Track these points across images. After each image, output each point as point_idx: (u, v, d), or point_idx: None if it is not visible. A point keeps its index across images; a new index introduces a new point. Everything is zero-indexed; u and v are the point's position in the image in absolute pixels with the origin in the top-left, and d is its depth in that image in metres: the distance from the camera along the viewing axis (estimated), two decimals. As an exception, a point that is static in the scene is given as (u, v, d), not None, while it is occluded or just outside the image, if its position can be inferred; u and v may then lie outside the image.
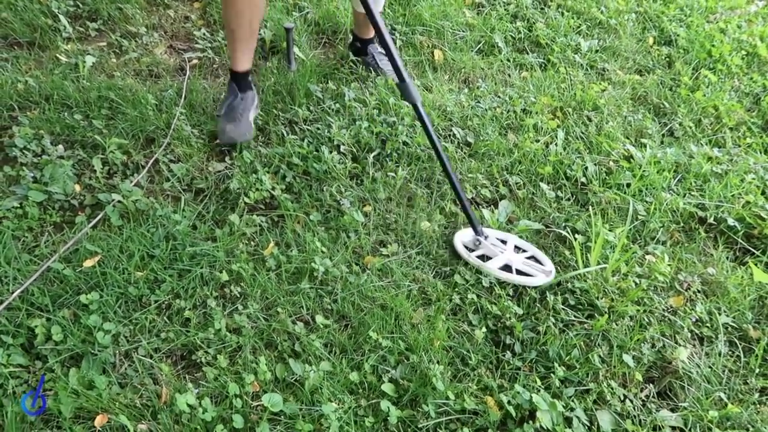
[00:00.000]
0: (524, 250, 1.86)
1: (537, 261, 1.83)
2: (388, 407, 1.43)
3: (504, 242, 1.87)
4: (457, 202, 1.88)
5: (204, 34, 2.66)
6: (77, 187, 1.92)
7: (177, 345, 1.55)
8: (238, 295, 1.66)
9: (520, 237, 1.90)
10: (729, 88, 2.64)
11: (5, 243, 1.69)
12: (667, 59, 2.83)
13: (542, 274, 1.77)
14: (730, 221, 1.99)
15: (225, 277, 1.68)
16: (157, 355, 1.53)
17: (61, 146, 2.05)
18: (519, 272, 1.77)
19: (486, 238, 1.83)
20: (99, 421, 1.37)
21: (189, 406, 1.39)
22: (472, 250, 1.83)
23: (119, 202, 1.85)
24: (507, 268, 1.78)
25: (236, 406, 1.41)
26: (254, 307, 1.63)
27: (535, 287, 1.75)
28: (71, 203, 1.88)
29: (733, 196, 2.09)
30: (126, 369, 1.49)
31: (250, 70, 2.17)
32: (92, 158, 1.99)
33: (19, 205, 1.82)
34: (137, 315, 1.59)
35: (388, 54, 1.67)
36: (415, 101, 1.70)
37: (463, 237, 1.85)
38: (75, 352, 1.50)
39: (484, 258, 1.81)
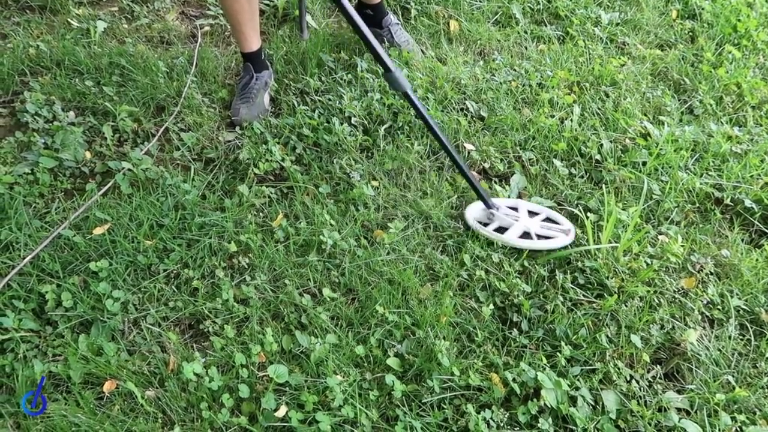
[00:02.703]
0: (537, 213, 1.85)
1: (552, 221, 1.83)
2: (393, 381, 1.44)
3: (515, 209, 1.84)
4: (465, 181, 1.84)
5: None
6: (88, 154, 1.92)
7: (185, 314, 1.56)
8: (246, 266, 1.67)
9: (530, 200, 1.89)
10: (753, 65, 2.56)
11: (17, 209, 1.71)
12: (690, 34, 2.74)
13: (562, 234, 1.76)
14: (748, 203, 1.95)
15: (233, 247, 1.68)
16: (165, 323, 1.54)
17: (72, 112, 2.05)
18: (539, 237, 1.76)
19: (498, 209, 1.80)
20: (107, 386, 1.40)
21: (196, 374, 1.41)
22: (486, 224, 1.80)
23: (129, 170, 1.85)
24: (526, 235, 1.76)
25: (242, 376, 1.42)
26: (262, 278, 1.63)
27: (559, 249, 1.73)
28: (82, 170, 1.89)
29: (751, 176, 2.05)
30: (134, 336, 1.51)
31: (262, 46, 2.14)
32: (103, 125, 1.98)
33: (30, 171, 1.83)
34: (146, 283, 1.60)
35: (368, 46, 1.55)
36: (405, 89, 1.60)
37: (474, 212, 1.82)
38: (85, 319, 1.52)
39: (500, 230, 1.78)
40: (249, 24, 2.03)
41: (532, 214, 1.85)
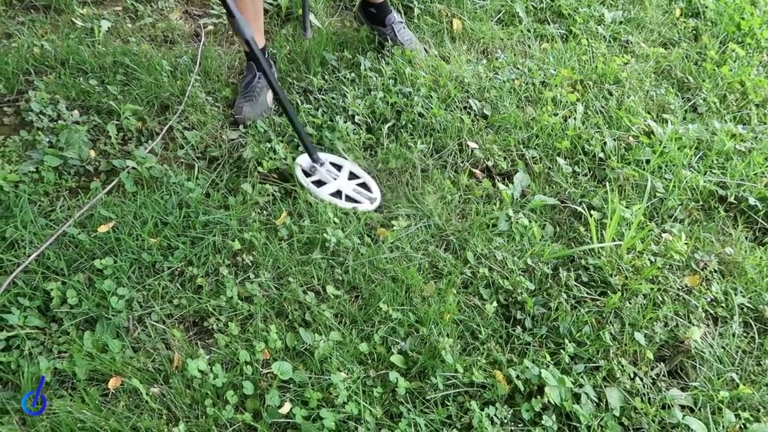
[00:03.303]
0: (357, 177, 1.94)
1: (367, 188, 1.92)
2: (397, 378, 1.44)
3: (340, 168, 1.95)
4: (294, 131, 1.91)
5: (219, -1, 2.62)
6: (92, 153, 1.93)
7: (189, 311, 1.57)
8: (250, 264, 1.67)
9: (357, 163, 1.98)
10: (757, 63, 2.55)
11: (22, 207, 1.71)
12: (694, 32, 2.74)
13: (367, 201, 1.87)
14: (752, 200, 1.95)
15: (237, 245, 1.68)
16: (170, 320, 1.55)
17: (76, 111, 2.05)
18: (349, 198, 1.87)
19: (322, 164, 1.90)
20: (112, 383, 1.40)
21: (200, 371, 1.42)
22: (309, 176, 1.90)
23: (133, 168, 1.86)
24: (338, 194, 1.88)
25: (247, 373, 1.43)
26: (266, 276, 1.64)
27: (365, 212, 1.84)
28: (86, 169, 1.90)
29: (755, 174, 2.04)
30: (139, 334, 1.51)
31: (266, 46, 2.15)
32: (107, 124, 1.99)
33: (35, 170, 1.83)
34: (150, 281, 1.61)
35: None
36: (247, 37, 1.69)
37: (302, 162, 1.92)
38: (89, 316, 1.53)
39: (319, 184, 1.89)
40: (253, 24, 2.04)
41: (353, 176, 1.95)
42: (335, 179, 1.89)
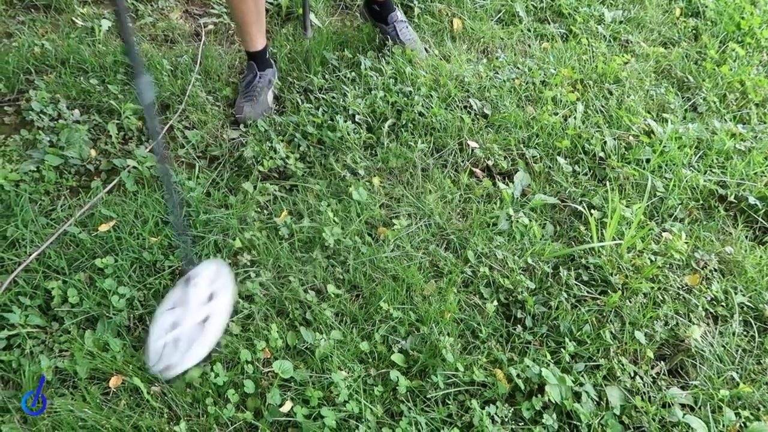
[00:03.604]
0: (209, 320, 1.34)
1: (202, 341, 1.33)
2: (398, 377, 1.44)
3: (213, 297, 1.37)
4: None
5: (220, -1, 2.62)
6: (93, 152, 1.93)
7: (190, 310, 1.57)
8: (251, 263, 1.67)
9: None
10: (757, 63, 2.56)
11: (23, 206, 1.71)
12: (694, 31, 2.74)
13: (167, 365, 1.30)
14: (752, 200, 1.95)
15: (238, 244, 1.68)
16: (171, 319, 1.55)
17: (77, 111, 2.06)
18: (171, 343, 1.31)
19: (195, 286, 1.34)
20: (113, 382, 1.40)
21: (201, 370, 1.42)
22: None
23: (134, 167, 1.86)
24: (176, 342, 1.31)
25: (247, 372, 1.43)
26: (266, 275, 1.64)
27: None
28: (87, 168, 1.90)
29: (755, 174, 2.05)
30: (140, 332, 1.51)
31: (267, 45, 2.15)
32: (108, 123, 1.99)
33: (36, 169, 1.83)
34: (151, 280, 1.61)
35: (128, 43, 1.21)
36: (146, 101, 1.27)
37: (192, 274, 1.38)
38: (90, 315, 1.53)
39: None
40: (255, 25, 2.04)
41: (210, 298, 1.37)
42: (185, 312, 1.33)
